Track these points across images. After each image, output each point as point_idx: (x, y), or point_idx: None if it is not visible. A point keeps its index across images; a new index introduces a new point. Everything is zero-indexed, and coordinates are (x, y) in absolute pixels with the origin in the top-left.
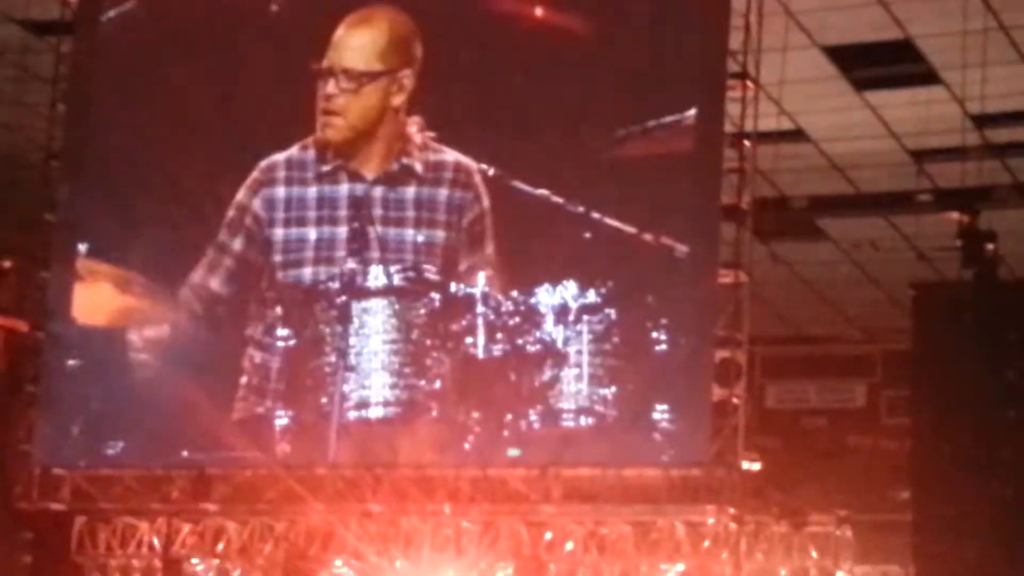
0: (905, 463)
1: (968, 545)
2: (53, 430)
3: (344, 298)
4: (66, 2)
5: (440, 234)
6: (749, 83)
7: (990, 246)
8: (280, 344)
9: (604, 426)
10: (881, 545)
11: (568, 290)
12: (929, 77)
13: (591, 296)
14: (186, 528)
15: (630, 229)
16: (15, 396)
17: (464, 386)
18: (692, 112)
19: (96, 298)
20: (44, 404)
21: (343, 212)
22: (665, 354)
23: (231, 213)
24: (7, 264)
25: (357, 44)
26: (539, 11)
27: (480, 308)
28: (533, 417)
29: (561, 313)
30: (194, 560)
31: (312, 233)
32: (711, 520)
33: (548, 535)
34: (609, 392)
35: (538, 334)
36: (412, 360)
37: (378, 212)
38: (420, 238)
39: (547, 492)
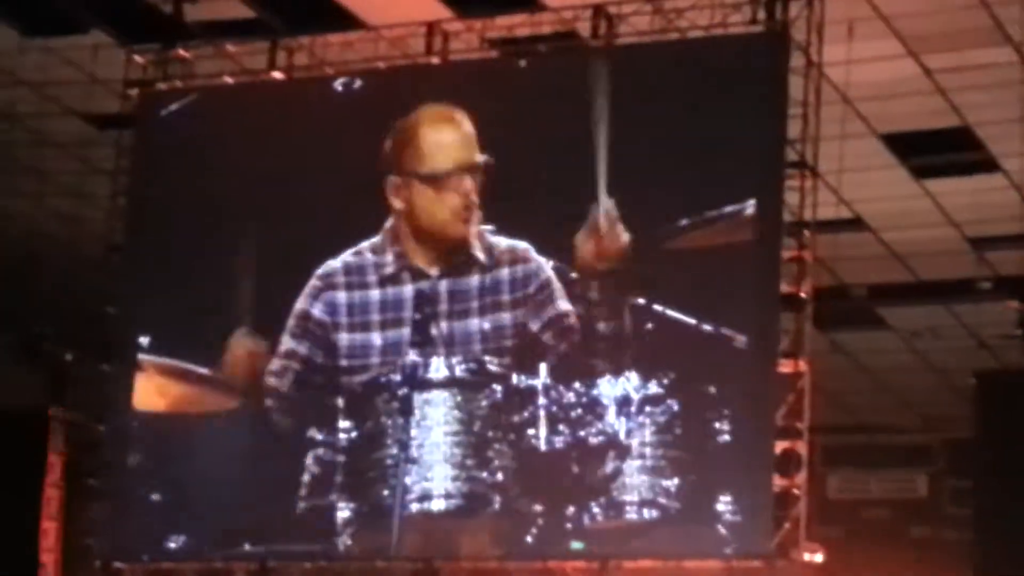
0: (967, 554)
1: None
2: (114, 524)
3: (406, 390)
4: (126, 96)
5: (506, 317)
6: (808, 172)
7: None
8: (343, 438)
9: (667, 518)
10: None
11: (630, 381)
12: (988, 165)
13: (653, 387)
14: None
15: (690, 320)
16: (76, 490)
17: (526, 478)
18: (751, 203)
19: (157, 391)
20: (105, 498)
21: (408, 313)
22: (727, 445)
23: (293, 322)
24: (68, 357)
25: (449, 141)
26: (598, 99)
27: (542, 400)
28: (596, 509)
29: (623, 404)
30: None
31: (377, 339)
32: None
33: None
34: (672, 484)
35: (600, 425)
36: (474, 452)
37: (443, 307)
38: (486, 325)
39: None
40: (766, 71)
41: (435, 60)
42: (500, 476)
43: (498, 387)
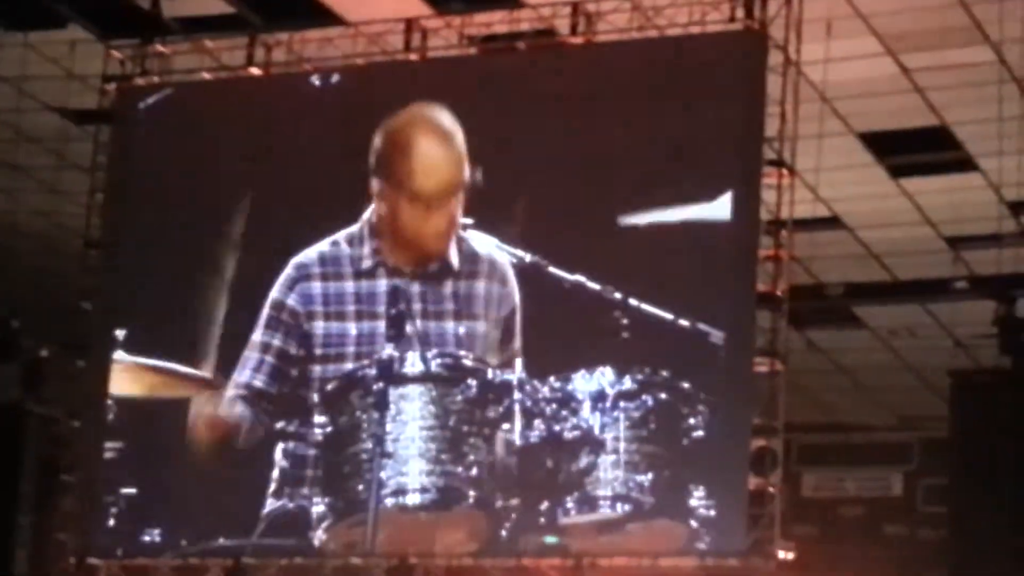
0: (942, 552)
1: None
2: (89, 519)
3: (381, 385)
4: (104, 91)
5: (480, 326)
6: (785, 170)
7: None
8: (317, 432)
9: (641, 513)
10: None
11: (605, 376)
12: (965, 164)
13: (628, 382)
14: None
15: (666, 315)
16: (51, 485)
17: (501, 473)
18: (728, 197)
19: (133, 387)
20: (80, 493)
21: (382, 308)
22: (702, 440)
23: (268, 312)
24: (44, 353)
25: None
26: (574, 96)
27: (517, 395)
28: (570, 504)
29: (598, 399)
30: None
31: (352, 328)
32: None
33: None
34: (646, 479)
35: (575, 420)
36: (449, 447)
37: (417, 306)
38: (461, 330)
39: None
40: (744, 69)
41: (413, 57)
42: (475, 471)
43: (473, 382)
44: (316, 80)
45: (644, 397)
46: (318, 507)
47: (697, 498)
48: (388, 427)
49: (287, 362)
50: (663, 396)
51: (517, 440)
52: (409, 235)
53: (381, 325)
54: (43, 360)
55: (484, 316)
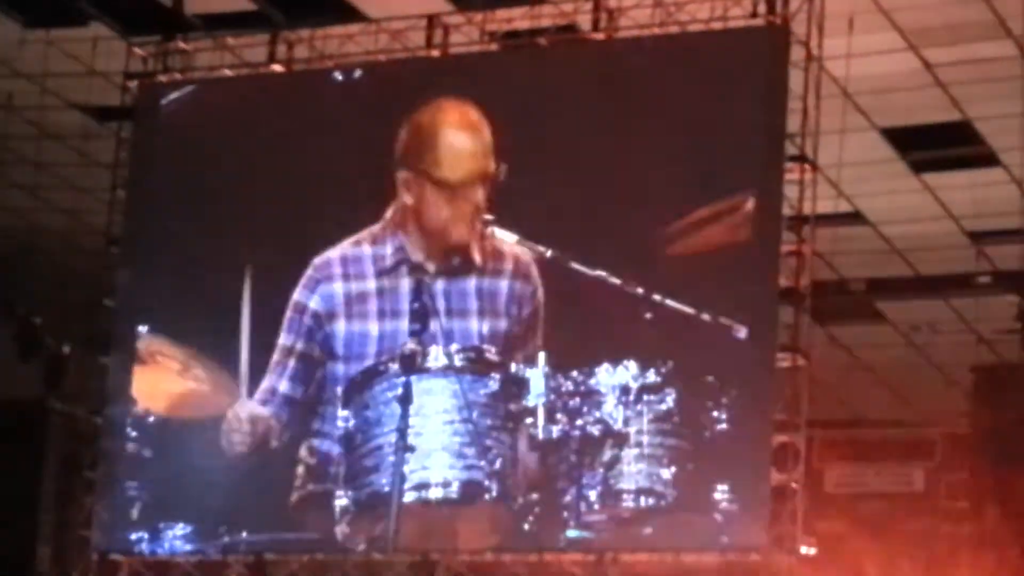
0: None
1: None
2: (111, 516)
3: (405, 379)
4: (126, 88)
5: (503, 323)
6: (807, 166)
7: None
8: (341, 427)
9: (664, 507)
10: None
11: (628, 370)
12: (988, 159)
13: (651, 376)
14: None
15: (689, 310)
16: (73, 482)
17: (523, 467)
18: (750, 194)
19: (156, 382)
20: (102, 490)
21: (405, 304)
22: (725, 434)
23: (290, 314)
24: (66, 350)
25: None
26: (595, 92)
27: (540, 389)
28: (593, 498)
29: (621, 393)
30: None
31: (375, 329)
32: None
33: None
34: (669, 472)
35: (598, 414)
36: (472, 441)
37: (441, 303)
38: (484, 328)
39: None
40: (766, 65)
41: (435, 53)
42: (498, 465)
43: (496, 376)
44: (338, 76)
45: (667, 391)
46: (341, 500)
47: (720, 492)
48: (411, 421)
49: (310, 364)
50: (686, 390)
51: (540, 434)
52: (433, 224)
53: (404, 324)
54: (65, 357)
55: (506, 313)
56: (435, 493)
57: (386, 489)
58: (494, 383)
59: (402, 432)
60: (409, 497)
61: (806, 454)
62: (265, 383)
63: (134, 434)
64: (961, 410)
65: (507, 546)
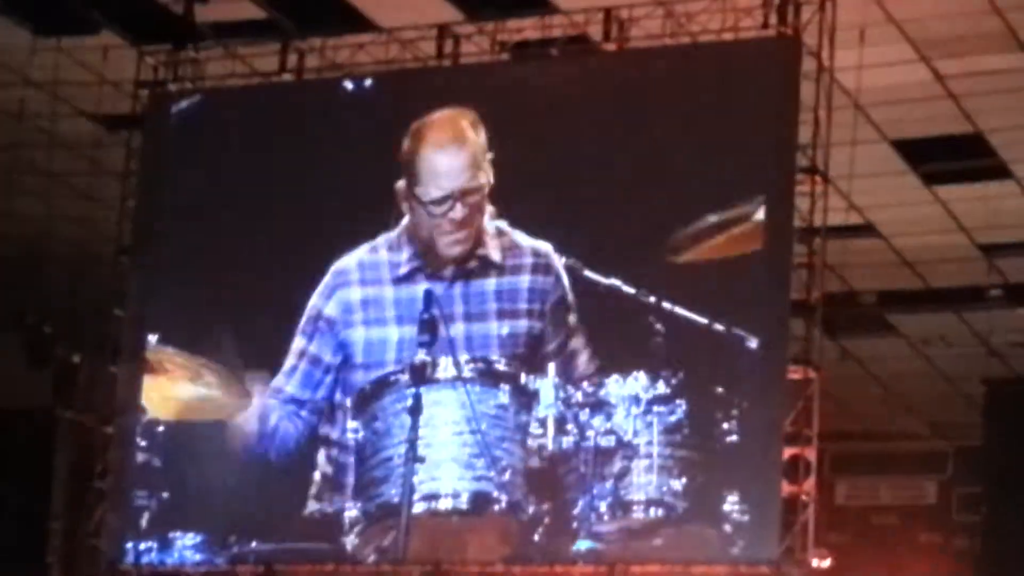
0: (976, 561)
1: None
2: (120, 525)
3: (414, 389)
4: (137, 96)
5: (523, 323)
6: (818, 178)
7: None
8: (351, 437)
9: (674, 518)
10: None
11: (639, 381)
12: (999, 171)
13: (662, 387)
14: None
15: (701, 320)
16: (83, 491)
17: (534, 478)
18: (761, 203)
19: (166, 390)
20: (112, 500)
21: (417, 313)
22: (736, 445)
23: (305, 318)
24: (76, 358)
25: (445, 170)
26: (606, 103)
27: (551, 399)
28: (603, 509)
29: (632, 404)
30: None
31: (394, 335)
32: None
33: None
34: (679, 483)
35: (608, 425)
36: (482, 451)
37: (459, 309)
38: (504, 331)
39: None
40: (777, 76)
41: (446, 63)
42: (507, 475)
43: (506, 386)
44: (349, 85)
45: (678, 401)
46: (351, 511)
47: (731, 503)
48: (421, 432)
49: (321, 369)
50: (697, 401)
51: (550, 445)
52: (423, 237)
53: (417, 331)
54: (75, 366)
55: (528, 311)
56: (445, 504)
57: (396, 500)
58: (504, 394)
59: (412, 443)
60: (419, 508)
61: (817, 466)
62: (274, 383)
63: (144, 443)
64: (973, 423)
65: (517, 557)
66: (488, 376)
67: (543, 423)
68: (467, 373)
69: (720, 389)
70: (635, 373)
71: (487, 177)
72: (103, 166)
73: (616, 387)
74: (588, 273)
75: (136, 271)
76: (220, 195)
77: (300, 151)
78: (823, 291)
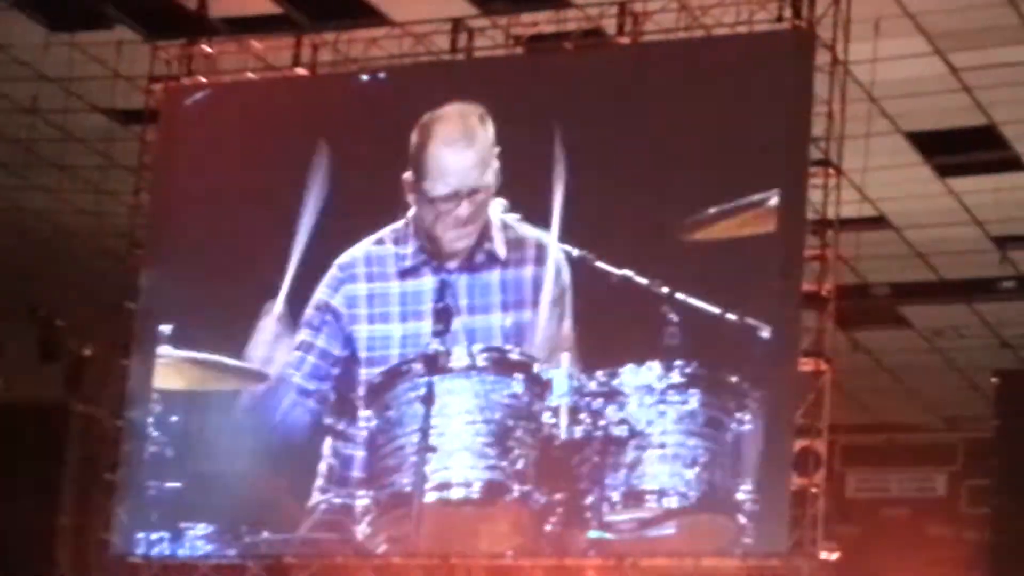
0: (985, 553)
1: None
2: (131, 518)
3: (427, 379)
4: (151, 91)
5: (527, 314)
6: (832, 170)
7: None
8: (363, 426)
9: (687, 507)
10: None
11: (652, 370)
12: (1012, 163)
13: (675, 376)
14: None
15: (714, 310)
16: (94, 485)
17: (546, 467)
18: (775, 194)
19: (178, 384)
20: (123, 492)
21: (428, 304)
22: (749, 435)
23: (311, 311)
24: (88, 352)
25: (452, 167)
26: (620, 96)
27: (563, 389)
28: (616, 499)
29: (645, 393)
30: None
31: (398, 330)
32: None
33: None
34: (692, 473)
35: (622, 415)
36: (494, 441)
37: (464, 301)
38: (508, 322)
39: None
40: (791, 69)
41: (459, 57)
42: (520, 465)
43: (519, 376)
44: (364, 77)
45: (691, 391)
46: (362, 500)
47: (744, 493)
48: (433, 421)
49: (329, 361)
50: (710, 390)
51: (563, 435)
52: (430, 233)
53: (426, 325)
54: (87, 359)
55: (532, 303)
56: (457, 493)
57: (408, 489)
58: (517, 383)
59: (424, 432)
60: (430, 497)
61: (828, 459)
62: (282, 372)
63: (156, 434)
64: (984, 415)
65: (528, 546)
66: (501, 365)
67: (556, 412)
68: (480, 362)
69: (734, 379)
70: (649, 363)
71: (493, 175)
72: (116, 160)
73: (630, 376)
74: (600, 264)
75: (149, 264)
76: (232, 188)
77: (313, 143)
78: (835, 283)
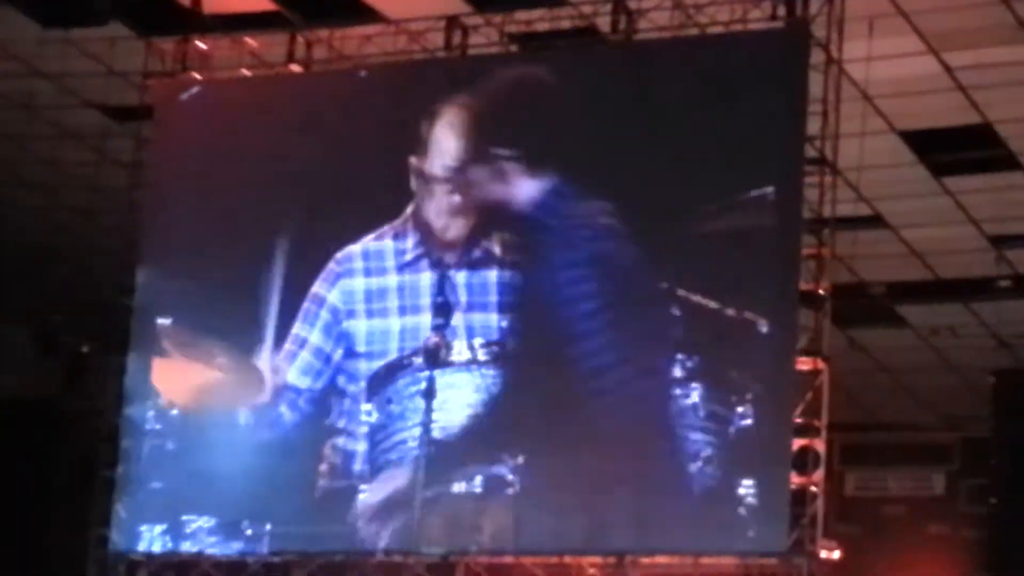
0: (984, 551)
1: None
2: (131, 515)
3: (428, 373)
4: (145, 87)
5: (525, 315)
6: (827, 169)
7: None
8: (364, 421)
9: (689, 501)
10: None
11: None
12: (1008, 162)
13: (677, 371)
14: None
15: (714, 304)
16: (93, 482)
17: (547, 461)
18: (771, 190)
19: (179, 374)
20: (122, 489)
21: (427, 298)
22: (750, 429)
23: (307, 305)
24: (84, 349)
25: (453, 151)
26: (615, 94)
27: (564, 383)
28: (618, 492)
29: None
30: None
31: (396, 325)
32: None
33: None
34: (694, 467)
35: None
36: (495, 435)
37: (464, 297)
38: (504, 323)
39: None
40: (786, 67)
41: (454, 54)
42: (521, 459)
43: (519, 370)
44: (361, 72)
45: (693, 385)
46: (363, 495)
47: (745, 487)
48: (434, 415)
49: (322, 359)
50: (712, 384)
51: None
52: (427, 221)
53: (425, 319)
54: (84, 356)
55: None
56: (458, 487)
57: (409, 483)
58: (517, 377)
59: (426, 426)
60: (432, 491)
61: (826, 458)
62: (274, 362)
63: (157, 427)
64: (981, 414)
65: (529, 541)
66: (501, 359)
67: (558, 407)
68: (481, 356)
69: (734, 373)
70: (650, 357)
71: (491, 170)
72: (111, 157)
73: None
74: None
75: (145, 259)
76: (227, 183)
77: (308, 139)
78: (832, 282)
